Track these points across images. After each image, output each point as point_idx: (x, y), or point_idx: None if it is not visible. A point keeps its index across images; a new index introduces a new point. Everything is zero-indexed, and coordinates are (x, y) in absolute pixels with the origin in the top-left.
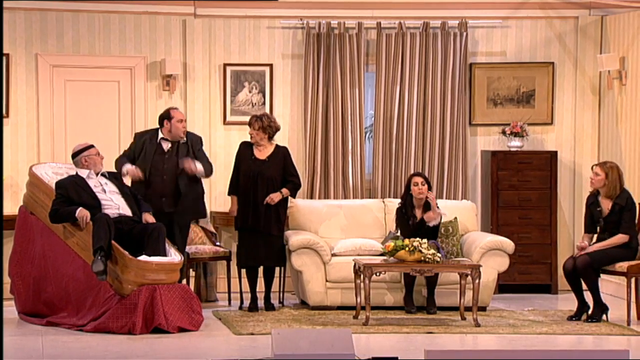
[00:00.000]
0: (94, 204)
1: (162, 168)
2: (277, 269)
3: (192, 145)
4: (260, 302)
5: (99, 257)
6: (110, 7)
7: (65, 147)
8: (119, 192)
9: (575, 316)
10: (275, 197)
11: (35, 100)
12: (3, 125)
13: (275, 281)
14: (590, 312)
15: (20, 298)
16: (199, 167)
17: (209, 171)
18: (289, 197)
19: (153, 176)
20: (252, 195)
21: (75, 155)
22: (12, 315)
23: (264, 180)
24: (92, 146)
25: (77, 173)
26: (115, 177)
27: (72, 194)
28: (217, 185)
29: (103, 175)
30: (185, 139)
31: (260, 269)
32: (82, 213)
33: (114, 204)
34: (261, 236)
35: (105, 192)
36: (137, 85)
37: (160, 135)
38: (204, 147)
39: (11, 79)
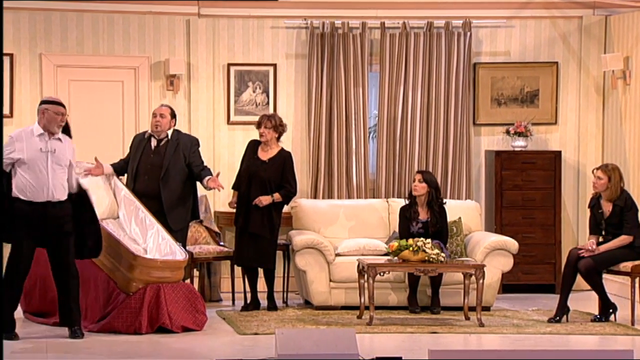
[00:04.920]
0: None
1: (146, 167)
2: (282, 269)
3: (182, 146)
4: (264, 302)
5: (13, 335)
6: (114, 7)
7: None
8: (65, 164)
9: (556, 317)
10: (264, 200)
11: (39, 100)
12: (3, 125)
13: (279, 281)
14: (598, 311)
15: (26, 297)
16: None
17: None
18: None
19: (139, 175)
20: (246, 195)
21: (40, 104)
22: (17, 315)
23: (258, 181)
24: (61, 104)
25: (32, 128)
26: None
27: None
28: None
29: (59, 140)
30: (166, 135)
31: (262, 270)
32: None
33: (50, 184)
34: (250, 237)
35: (47, 161)
36: (141, 85)
37: (149, 131)
38: (200, 148)
39: (15, 79)
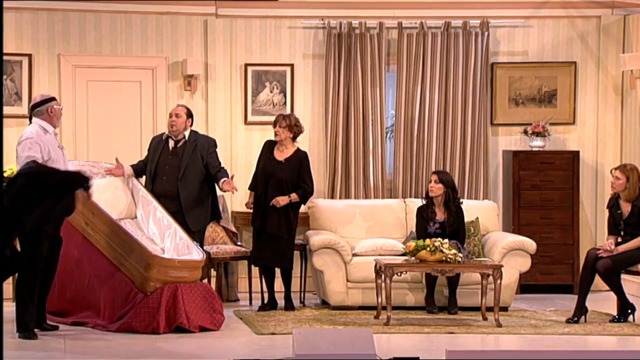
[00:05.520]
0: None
1: (164, 168)
2: (299, 269)
3: (200, 147)
4: (281, 302)
5: (32, 335)
6: (132, 7)
7: (87, 147)
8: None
9: (574, 318)
10: (281, 200)
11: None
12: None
13: (296, 281)
14: (616, 312)
15: None
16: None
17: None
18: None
19: (157, 176)
20: (263, 195)
21: (41, 104)
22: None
23: (275, 181)
24: (55, 99)
25: (43, 127)
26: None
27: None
28: (238, 185)
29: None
30: (183, 136)
31: (279, 270)
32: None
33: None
34: (268, 237)
35: (63, 157)
36: (158, 85)
37: (166, 132)
38: (217, 149)
39: (34, 79)
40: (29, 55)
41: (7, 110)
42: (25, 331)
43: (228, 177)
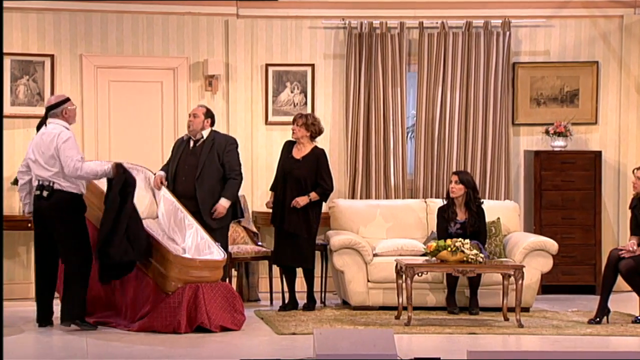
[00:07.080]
0: None
1: (184, 168)
2: (320, 269)
3: (217, 146)
4: (302, 302)
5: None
6: (153, 8)
7: (109, 147)
8: None
9: (596, 318)
10: (301, 201)
11: (79, 101)
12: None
13: (317, 281)
14: (638, 312)
15: None
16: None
17: (235, 192)
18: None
19: (178, 176)
20: (282, 194)
21: (55, 106)
22: (56, 314)
23: (293, 180)
24: (69, 99)
25: (66, 127)
26: None
27: None
28: (259, 185)
29: None
30: (201, 135)
31: (299, 269)
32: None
33: None
34: (287, 236)
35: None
36: (179, 85)
37: (186, 133)
38: (239, 149)
39: (56, 80)
40: (52, 56)
41: (29, 110)
42: (72, 320)
43: (235, 182)
